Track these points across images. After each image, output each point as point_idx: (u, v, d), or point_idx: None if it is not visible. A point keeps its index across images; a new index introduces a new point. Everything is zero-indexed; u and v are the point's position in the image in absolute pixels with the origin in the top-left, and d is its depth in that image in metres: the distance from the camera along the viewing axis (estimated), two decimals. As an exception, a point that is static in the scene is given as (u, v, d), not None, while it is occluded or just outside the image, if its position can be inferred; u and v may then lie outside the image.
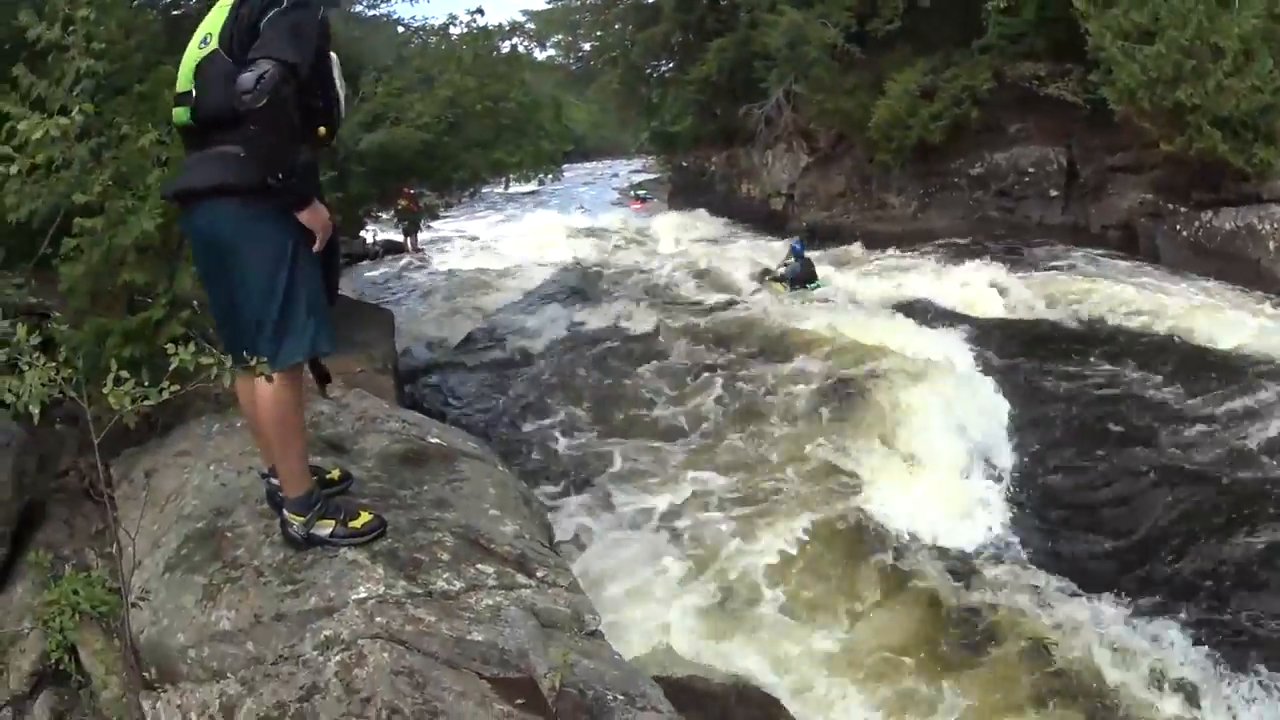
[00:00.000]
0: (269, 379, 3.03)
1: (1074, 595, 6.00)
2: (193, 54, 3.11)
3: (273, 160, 2.92)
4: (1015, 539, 6.82)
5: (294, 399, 3.19)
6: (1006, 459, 7.94)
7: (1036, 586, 6.08)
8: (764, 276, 15.10)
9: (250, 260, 3.07)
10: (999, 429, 8.45)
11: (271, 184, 2.94)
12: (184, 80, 3.12)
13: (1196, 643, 5.40)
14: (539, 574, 3.39)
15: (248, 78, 2.77)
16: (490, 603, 3.11)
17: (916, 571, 6.28)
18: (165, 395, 2.91)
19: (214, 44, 3.04)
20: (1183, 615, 5.70)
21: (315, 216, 3.10)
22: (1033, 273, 13.35)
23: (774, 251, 16.74)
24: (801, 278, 14.02)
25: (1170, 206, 13.38)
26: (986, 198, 16.67)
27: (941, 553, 6.59)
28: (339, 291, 3.64)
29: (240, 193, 3.01)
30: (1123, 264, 13.39)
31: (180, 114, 3.13)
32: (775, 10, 18.61)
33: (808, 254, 14.46)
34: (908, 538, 6.71)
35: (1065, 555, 6.63)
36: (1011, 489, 7.49)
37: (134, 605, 3.19)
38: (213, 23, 3.09)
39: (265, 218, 3.04)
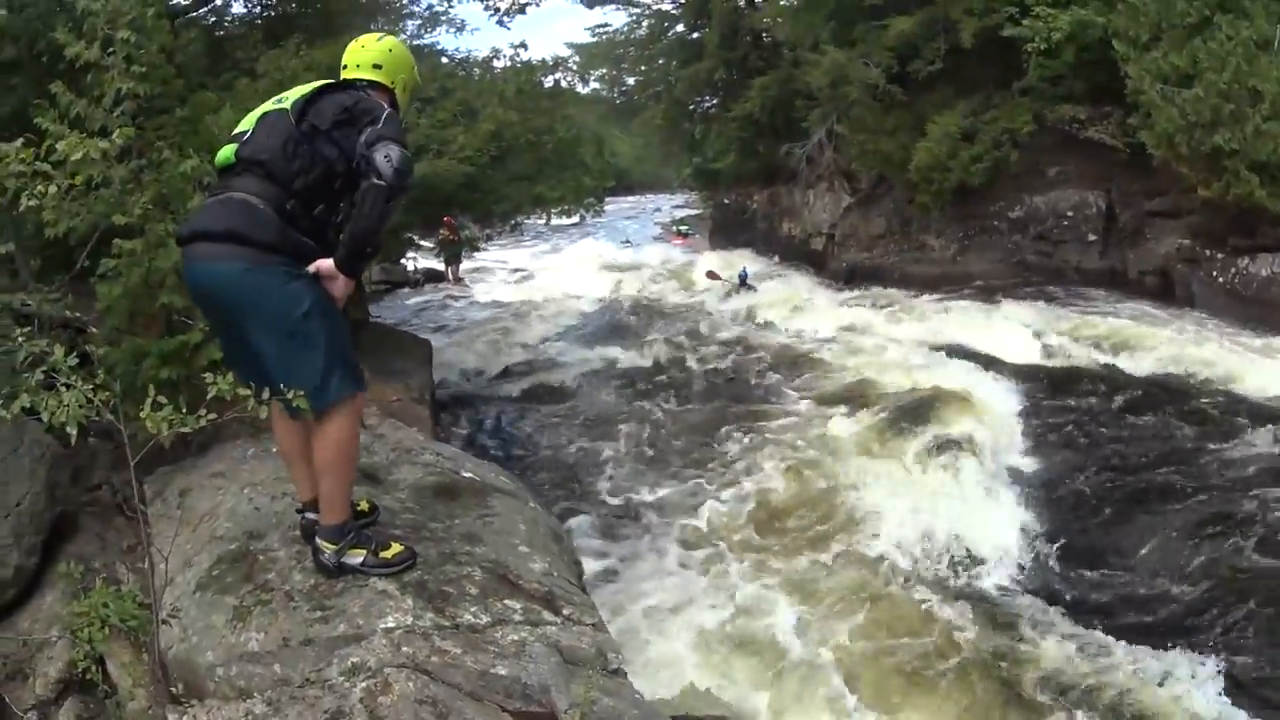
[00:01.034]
0: (319, 416, 3.12)
1: (1099, 636, 5.94)
2: (266, 105, 3.32)
3: (382, 220, 3.06)
4: (1047, 583, 6.74)
5: (351, 435, 3.25)
6: (1037, 501, 7.85)
7: (1073, 635, 5.99)
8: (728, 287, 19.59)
9: (269, 318, 3.06)
10: (1031, 471, 8.41)
11: (364, 251, 3.14)
12: (247, 122, 3.29)
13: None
14: (565, 611, 3.40)
15: (381, 161, 2.96)
16: (516, 638, 3.12)
17: (945, 615, 6.21)
18: (203, 423, 2.93)
19: (286, 104, 3.24)
20: (1214, 665, 5.58)
21: (350, 285, 3.22)
22: (1069, 317, 13.19)
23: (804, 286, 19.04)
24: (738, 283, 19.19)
25: (1207, 252, 13.15)
26: (1025, 241, 16.50)
27: (974, 596, 6.51)
28: (373, 320, 3.73)
29: (251, 244, 3.03)
30: (1158, 310, 13.20)
31: (226, 151, 3.23)
32: (818, 49, 18.65)
33: (749, 281, 19.45)
34: (937, 580, 6.68)
35: (1091, 599, 6.56)
36: (1041, 532, 7.38)
37: (164, 622, 3.23)
38: (296, 92, 3.31)
39: (272, 273, 3.05)
